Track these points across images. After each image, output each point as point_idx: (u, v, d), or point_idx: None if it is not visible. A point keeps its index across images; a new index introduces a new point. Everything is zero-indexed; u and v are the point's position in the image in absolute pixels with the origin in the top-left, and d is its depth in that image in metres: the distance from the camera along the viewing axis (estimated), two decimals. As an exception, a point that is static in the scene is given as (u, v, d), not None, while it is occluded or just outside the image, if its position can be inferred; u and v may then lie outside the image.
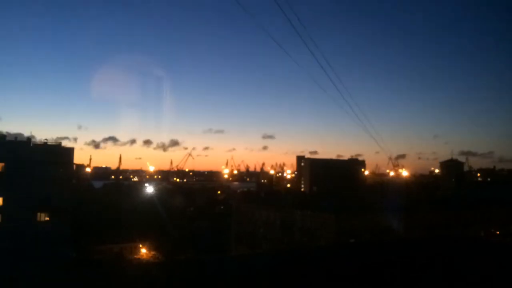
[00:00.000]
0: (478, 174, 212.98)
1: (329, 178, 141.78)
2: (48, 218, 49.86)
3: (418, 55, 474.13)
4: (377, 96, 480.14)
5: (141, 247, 72.32)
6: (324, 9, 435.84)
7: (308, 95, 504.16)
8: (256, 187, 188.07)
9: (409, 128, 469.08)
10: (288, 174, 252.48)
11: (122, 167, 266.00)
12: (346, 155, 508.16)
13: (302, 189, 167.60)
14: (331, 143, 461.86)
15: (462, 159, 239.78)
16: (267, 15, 24.39)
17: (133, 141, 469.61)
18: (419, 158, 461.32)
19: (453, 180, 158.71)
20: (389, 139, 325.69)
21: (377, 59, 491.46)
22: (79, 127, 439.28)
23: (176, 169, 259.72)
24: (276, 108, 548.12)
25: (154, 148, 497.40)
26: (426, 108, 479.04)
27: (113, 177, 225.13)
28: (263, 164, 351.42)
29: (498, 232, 64.29)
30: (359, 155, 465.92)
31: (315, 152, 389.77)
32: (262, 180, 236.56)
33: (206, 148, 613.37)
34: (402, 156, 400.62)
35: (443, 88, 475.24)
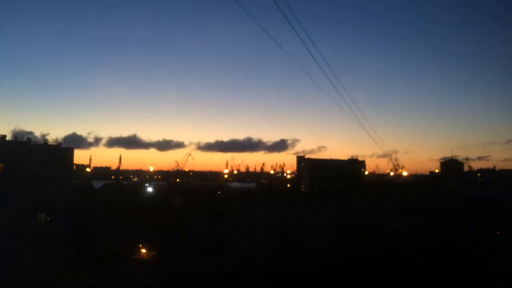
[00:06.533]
0: (478, 174, 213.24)
1: (329, 178, 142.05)
2: (48, 219, 49.80)
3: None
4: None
5: (141, 247, 72.24)
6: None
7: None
8: (256, 187, 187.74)
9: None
10: (288, 174, 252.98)
11: (122, 167, 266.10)
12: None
13: (302, 189, 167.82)
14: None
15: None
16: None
17: (134, 141, 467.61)
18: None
19: (453, 180, 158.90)
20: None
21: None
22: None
23: (176, 169, 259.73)
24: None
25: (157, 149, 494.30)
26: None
27: (113, 177, 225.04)
28: (263, 164, 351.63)
29: (498, 232, 64.18)
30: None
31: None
32: (262, 180, 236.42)
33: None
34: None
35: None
